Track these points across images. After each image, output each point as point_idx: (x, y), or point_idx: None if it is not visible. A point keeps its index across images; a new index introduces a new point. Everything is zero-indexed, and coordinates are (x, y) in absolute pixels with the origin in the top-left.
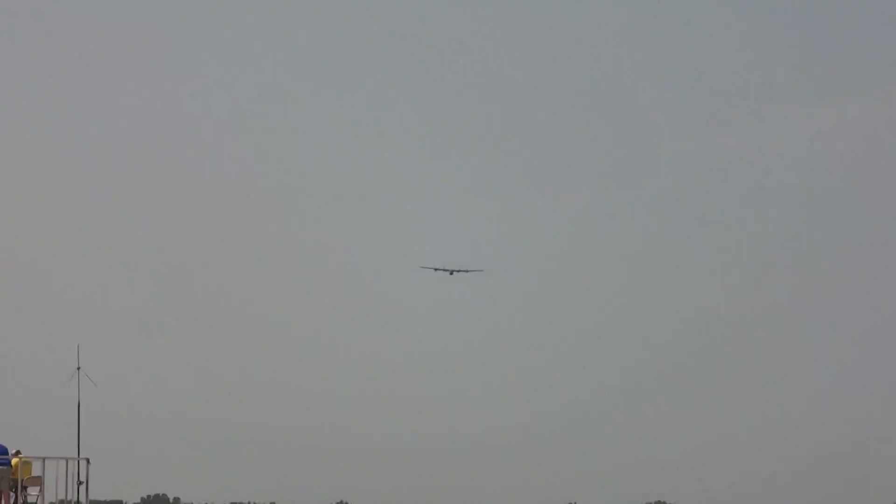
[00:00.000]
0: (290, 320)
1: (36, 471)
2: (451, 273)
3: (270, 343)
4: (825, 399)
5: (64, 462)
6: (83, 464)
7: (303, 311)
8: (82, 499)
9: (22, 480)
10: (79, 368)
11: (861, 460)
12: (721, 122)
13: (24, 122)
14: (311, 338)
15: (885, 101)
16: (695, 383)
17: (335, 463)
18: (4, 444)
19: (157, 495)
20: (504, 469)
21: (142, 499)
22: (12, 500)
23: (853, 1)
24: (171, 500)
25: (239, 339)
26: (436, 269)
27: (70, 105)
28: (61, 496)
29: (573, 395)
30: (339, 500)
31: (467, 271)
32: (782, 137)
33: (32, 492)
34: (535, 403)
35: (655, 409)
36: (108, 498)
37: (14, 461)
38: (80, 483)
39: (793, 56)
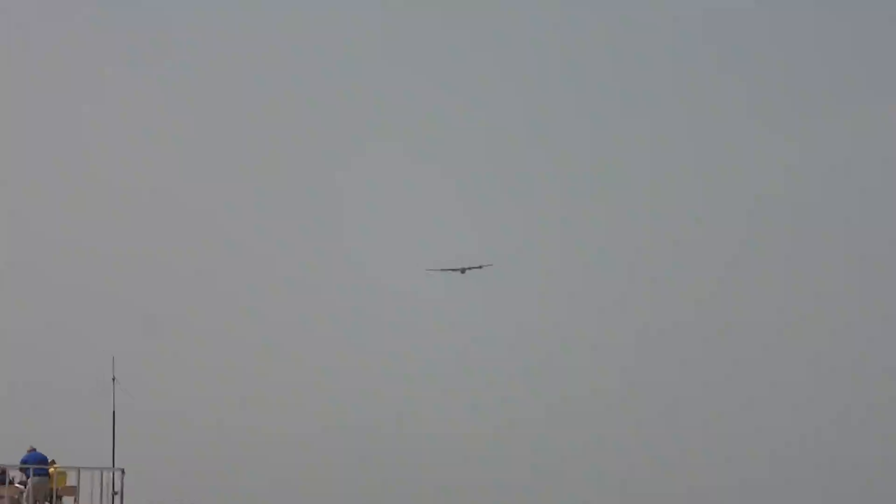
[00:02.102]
0: (315, 334)
1: (71, 481)
2: (463, 272)
3: (305, 358)
4: (832, 397)
5: (99, 472)
6: (118, 474)
7: (323, 327)
8: None
9: (57, 490)
10: (114, 379)
11: (862, 460)
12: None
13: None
14: (330, 352)
15: None
16: (722, 377)
17: (368, 471)
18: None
19: None
20: (523, 468)
21: None
22: None
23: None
24: None
25: (272, 352)
26: (443, 270)
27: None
28: None
29: (591, 389)
30: None
31: (480, 267)
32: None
33: (67, 502)
34: (550, 400)
35: (680, 405)
36: None
37: (49, 471)
38: (115, 493)
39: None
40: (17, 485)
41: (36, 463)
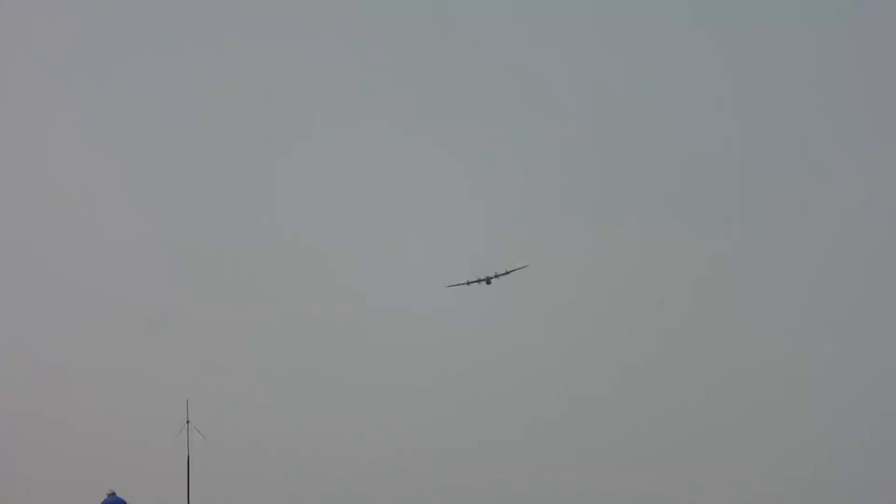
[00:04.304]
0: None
1: None
2: (489, 282)
3: (366, 397)
4: (841, 400)
5: None
6: None
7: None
8: None
9: None
10: (188, 422)
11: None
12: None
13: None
14: (366, 384)
15: None
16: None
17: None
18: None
19: None
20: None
21: None
22: None
23: None
24: None
25: (335, 391)
26: (469, 283)
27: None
28: None
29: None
30: None
31: (507, 272)
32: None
33: None
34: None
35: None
36: None
37: None
38: None
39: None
40: None
41: None
